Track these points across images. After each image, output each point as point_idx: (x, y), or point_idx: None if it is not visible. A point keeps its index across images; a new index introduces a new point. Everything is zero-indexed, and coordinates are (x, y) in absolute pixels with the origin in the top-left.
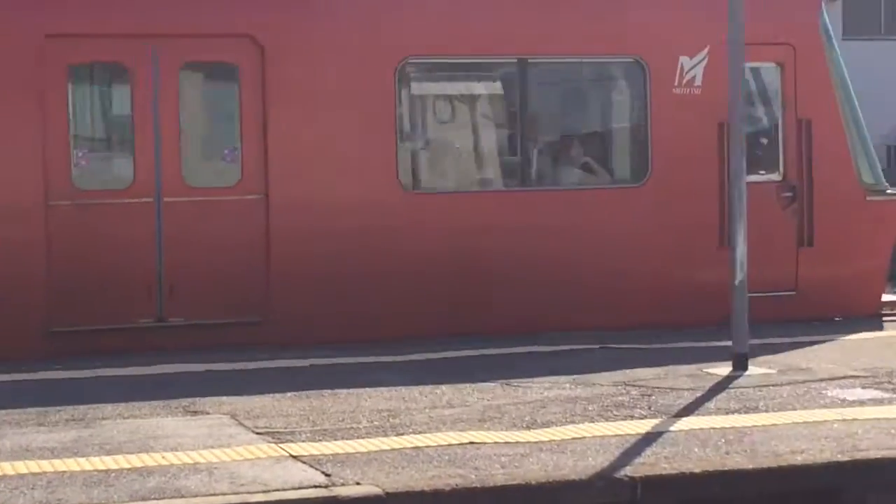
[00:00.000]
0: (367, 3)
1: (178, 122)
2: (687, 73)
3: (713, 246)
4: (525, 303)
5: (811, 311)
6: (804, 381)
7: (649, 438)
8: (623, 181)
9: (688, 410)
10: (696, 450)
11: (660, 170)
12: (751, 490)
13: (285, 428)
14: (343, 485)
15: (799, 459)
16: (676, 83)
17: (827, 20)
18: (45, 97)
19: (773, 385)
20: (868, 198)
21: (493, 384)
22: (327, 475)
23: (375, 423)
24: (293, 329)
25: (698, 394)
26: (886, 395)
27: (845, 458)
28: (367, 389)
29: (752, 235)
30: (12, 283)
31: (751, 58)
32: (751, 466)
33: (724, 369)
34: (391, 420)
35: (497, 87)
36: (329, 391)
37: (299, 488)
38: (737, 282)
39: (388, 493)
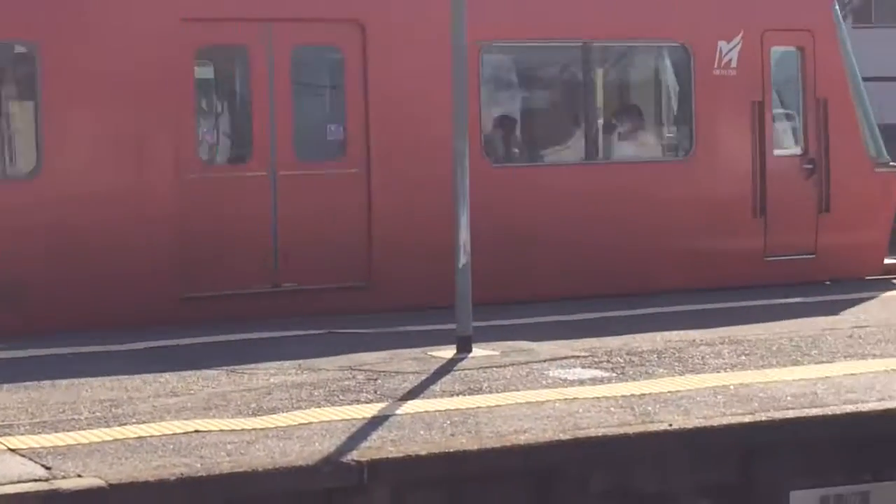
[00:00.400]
0: None
1: (291, 101)
2: (724, 56)
3: (748, 214)
4: (593, 266)
5: (826, 272)
6: (526, 362)
7: (375, 422)
8: (671, 155)
9: (413, 394)
10: (421, 432)
11: (702, 145)
12: (476, 470)
13: (2, 421)
14: (64, 477)
15: (522, 439)
16: (716, 65)
17: (837, 9)
18: (176, 77)
19: (496, 366)
20: (875, 169)
21: (217, 371)
22: (47, 468)
23: (97, 413)
24: (392, 292)
25: (423, 377)
26: (605, 374)
27: (567, 437)
28: (89, 379)
29: (780, 204)
30: (148, 252)
31: (776, 42)
32: (475, 447)
33: (448, 352)
34: (113, 410)
35: (565, 69)
36: (48, 382)
37: (18, 482)
38: (460, 265)
39: (111, 485)
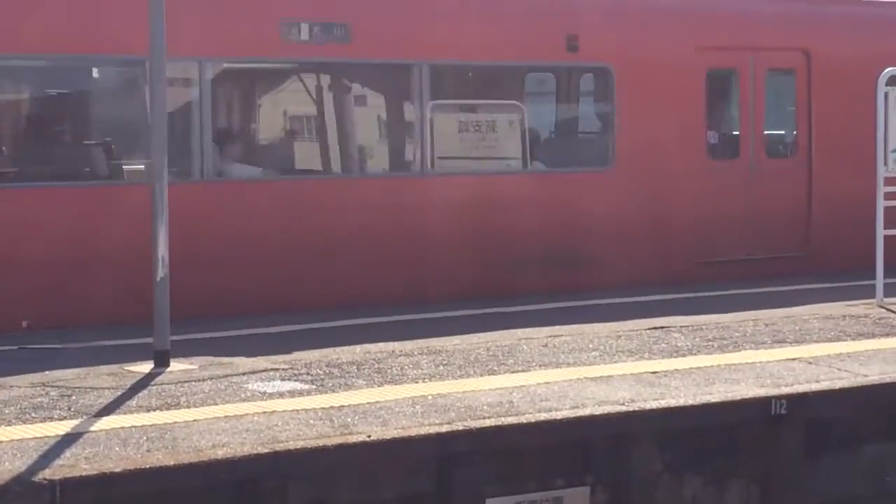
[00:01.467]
0: None
1: (764, 112)
2: None
3: None
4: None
5: None
6: (225, 376)
7: (69, 439)
8: None
9: (109, 410)
10: (116, 449)
11: None
12: (173, 486)
13: None
14: None
15: (220, 453)
16: None
17: None
18: (693, 92)
19: (194, 381)
20: None
21: None
22: None
23: None
24: (824, 259)
25: (119, 392)
26: (305, 387)
27: (265, 450)
28: None
29: None
30: (673, 223)
31: None
32: (172, 462)
33: (145, 367)
34: None
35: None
36: None
37: None
38: (158, 279)
39: None
